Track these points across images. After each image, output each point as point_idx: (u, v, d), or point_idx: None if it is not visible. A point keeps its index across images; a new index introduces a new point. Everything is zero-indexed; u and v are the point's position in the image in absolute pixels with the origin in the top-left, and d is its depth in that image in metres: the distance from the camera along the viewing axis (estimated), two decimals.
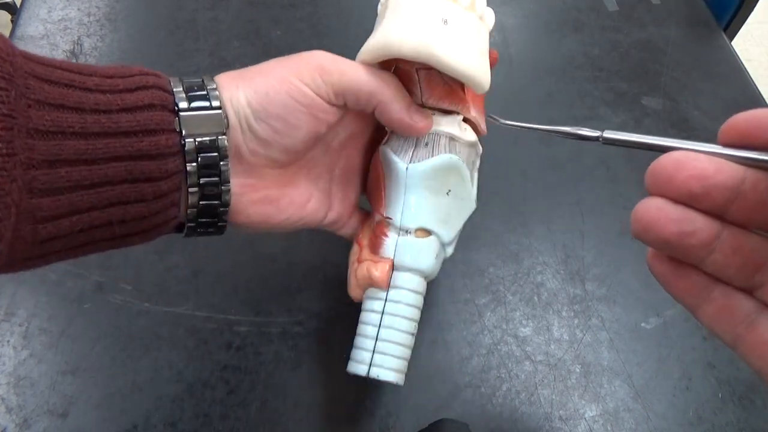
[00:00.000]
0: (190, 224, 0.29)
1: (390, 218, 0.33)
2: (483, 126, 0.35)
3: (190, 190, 0.28)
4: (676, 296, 0.23)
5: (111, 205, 0.25)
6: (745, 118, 0.20)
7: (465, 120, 0.34)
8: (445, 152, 0.33)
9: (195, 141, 0.27)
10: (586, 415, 0.39)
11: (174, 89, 0.28)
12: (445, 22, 0.30)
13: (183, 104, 0.27)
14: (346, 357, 0.35)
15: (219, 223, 0.30)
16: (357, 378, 0.37)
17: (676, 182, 0.20)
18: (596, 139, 0.25)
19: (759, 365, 0.22)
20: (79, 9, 0.59)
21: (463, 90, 0.33)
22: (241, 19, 0.58)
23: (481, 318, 0.43)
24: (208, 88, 0.28)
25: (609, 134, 0.24)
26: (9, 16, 1.26)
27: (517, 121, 0.30)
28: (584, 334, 0.43)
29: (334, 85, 0.30)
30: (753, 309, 0.22)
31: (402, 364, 0.34)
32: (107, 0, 0.59)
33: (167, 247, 0.44)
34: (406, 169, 0.33)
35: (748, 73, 0.60)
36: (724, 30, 0.65)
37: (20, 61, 0.23)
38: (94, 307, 0.41)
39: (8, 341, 0.39)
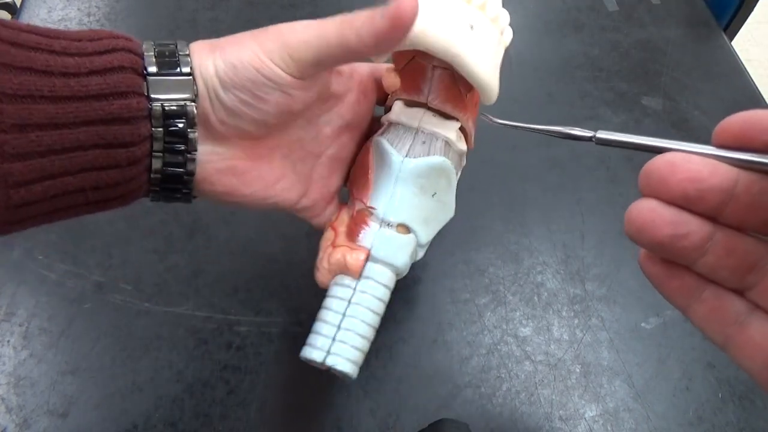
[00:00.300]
0: (154, 188, 0.29)
1: (374, 208, 0.33)
2: (472, 141, 0.36)
3: (155, 154, 0.28)
4: (668, 296, 0.23)
5: (84, 170, 0.25)
6: (740, 120, 0.20)
7: (461, 129, 0.35)
8: (441, 154, 0.33)
9: (162, 106, 0.27)
10: (586, 415, 0.39)
11: (145, 53, 0.27)
12: (472, 27, 0.30)
13: (152, 68, 0.27)
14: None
15: (184, 190, 0.30)
16: (357, 378, 0.37)
17: (671, 184, 0.20)
18: (589, 139, 0.24)
19: (748, 366, 0.22)
20: (79, 9, 0.59)
21: (466, 97, 0.33)
22: (241, 19, 0.58)
23: (481, 318, 0.43)
24: (180, 54, 0.28)
25: (602, 134, 0.24)
26: (9, 16, 1.26)
27: (511, 121, 0.30)
28: (584, 334, 0.43)
29: (304, 59, 0.28)
30: (744, 310, 0.22)
31: (360, 357, 0.33)
32: (107, 0, 0.59)
33: (167, 247, 0.44)
34: (402, 161, 0.33)
35: (748, 73, 0.60)
36: (724, 30, 0.65)
37: None
38: (94, 307, 0.41)
39: (8, 341, 0.39)
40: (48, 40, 0.25)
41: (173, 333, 0.41)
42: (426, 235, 0.34)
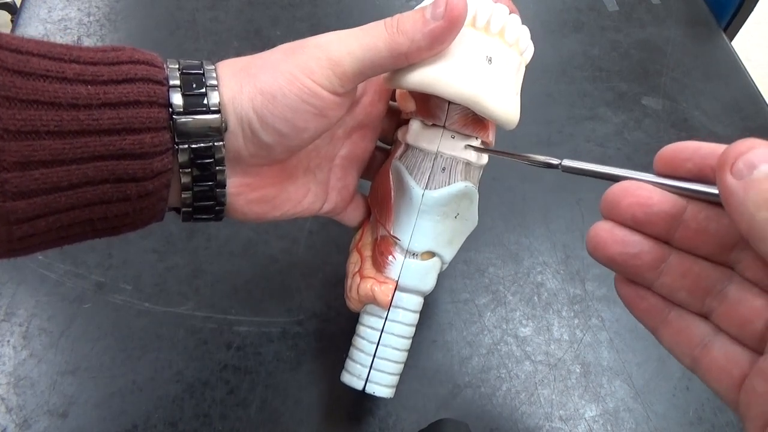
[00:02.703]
0: (185, 210, 0.28)
1: (398, 239, 0.33)
2: (493, 142, 0.35)
3: (184, 195, 0.27)
4: (638, 317, 0.25)
5: (92, 204, 0.24)
6: (670, 149, 0.22)
7: (481, 142, 0.33)
8: (462, 179, 0.32)
9: (189, 147, 0.25)
10: (586, 415, 0.39)
11: (170, 81, 0.25)
12: (490, 60, 0.29)
13: (177, 101, 0.25)
14: (345, 357, 0.35)
15: (214, 216, 0.29)
16: None
17: (622, 207, 0.23)
18: (556, 166, 0.26)
19: (716, 388, 0.22)
20: (79, 9, 0.59)
21: (487, 121, 0.32)
22: (241, 19, 0.58)
23: (481, 318, 0.43)
24: (208, 83, 0.26)
25: (568, 162, 0.26)
26: (9, 16, 1.26)
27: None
28: (584, 334, 0.43)
29: (349, 72, 0.26)
30: (708, 332, 0.23)
31: (395, 380, 0.35)
32: (107, 0, 0.59)
33: (167, 247, 0.44)
34: (422, 195, 0.32)
35: (748, 73, 0.60)
36: (724, 30, 0.65)
37: None
38: (94, 307, 0.41)
39: (8, 341, 0.39)
40: (60, 65, 0.23)
41: (173, 333, 0.41)
42: (450, 253, 0.34)
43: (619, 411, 0.40)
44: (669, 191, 0.22)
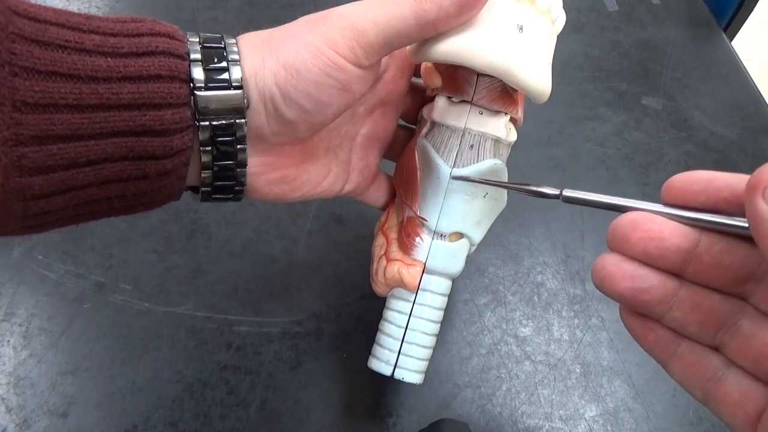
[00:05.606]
0: (204, 189, 0.27)
1: (425, 220, 0.32)
2: (522, 119, 0.34)
3: (203, 174, 0.26)
4: (646, 349, 0.24)
5: (109, 181, 0.23)
6: (681, 179, 0.21)
7: (510, 119, 0.33)
8: (490, 156, 0.31)
9: (210, 124, 0.25)
10: (586, 415, 0.39)
11: (191, 55, 0.24)
12: (521, 29, 0.28)
13: (198, 76, 0.24)
14: (346, 356, 0.35)
15: (233, 196, 0.28)
16: (356, 378, 0.37)
17: (632, 242, 0.21)
18: (556, 196, 0.25)
19: (730, 423, 0.22)
20: (78, 9, 0.58)
21: (516, 93, 0.31)
22: (241, 19, 0.58)
23: (481, 318, 0.43)
24: (230, 58, 0.25)
25: (568, 193, 0.24)
26: None
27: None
28: (584, 334, 0.43)
29: (373, 43, 0.25)
30: (720, 365, 0.22)
31: (424, 366, 0.34)
32: (107, 0, 0.59)
33: (167, 247, 0.44)
34: (450, 173, 0.31)
35: (748, 73, 0.60)
36: (724, 30, 0.65)
37: (5, 18, 0.21)
38: (94, 307, 0.41)
39: (8, 341, 0.39)
40: (79, 35, 0.22)
41: (173, 333, 0.41)
42: (479, 235, 0.33)
43: (619, 411, 0.40)
44: (682, 223, 0.21)
